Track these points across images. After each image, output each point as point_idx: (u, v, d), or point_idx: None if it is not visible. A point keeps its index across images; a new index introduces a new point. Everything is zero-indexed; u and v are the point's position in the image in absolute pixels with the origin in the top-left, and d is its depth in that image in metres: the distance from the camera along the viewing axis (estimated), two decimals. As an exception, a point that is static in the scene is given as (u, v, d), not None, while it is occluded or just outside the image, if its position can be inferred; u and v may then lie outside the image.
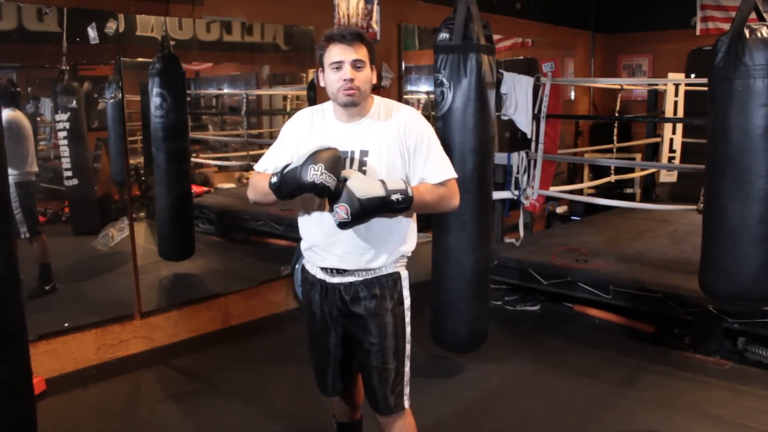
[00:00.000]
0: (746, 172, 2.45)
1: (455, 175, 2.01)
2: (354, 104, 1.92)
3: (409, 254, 2.09)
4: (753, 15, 2.51)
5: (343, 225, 1.82)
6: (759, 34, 2.35)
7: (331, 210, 1.82)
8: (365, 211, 1.79)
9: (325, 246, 2.01)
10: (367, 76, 1.91)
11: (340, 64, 1.88)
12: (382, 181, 1.82)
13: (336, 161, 1.80)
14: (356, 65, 1.88)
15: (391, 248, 2.01)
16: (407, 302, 2.07)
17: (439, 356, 3.53)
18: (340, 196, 1.80)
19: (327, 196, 1.80)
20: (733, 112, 2.44)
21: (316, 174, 1.74)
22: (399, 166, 1.94)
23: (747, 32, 2.36)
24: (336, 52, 1.88)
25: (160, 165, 3.74)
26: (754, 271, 2.51)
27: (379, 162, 1.93)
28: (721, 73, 2.45)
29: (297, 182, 1.77)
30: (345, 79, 1.86)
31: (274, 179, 1.84)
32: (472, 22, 2.92)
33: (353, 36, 1.89)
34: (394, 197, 1.80)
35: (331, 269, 2.02)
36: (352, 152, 1.93)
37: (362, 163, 1.93)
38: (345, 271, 2.01)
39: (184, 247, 4.03)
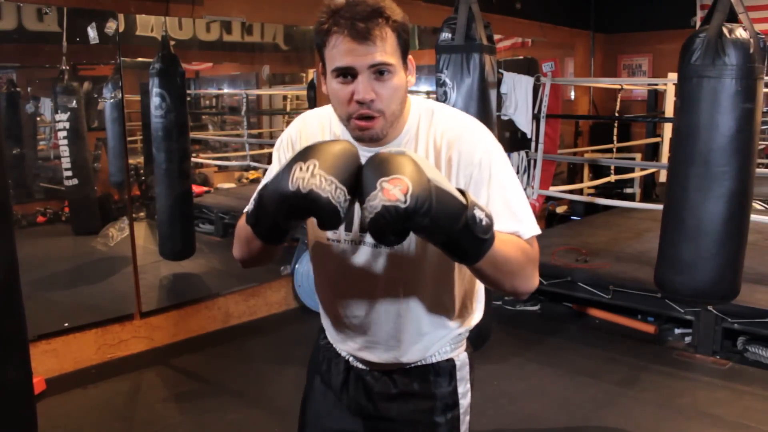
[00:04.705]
0: (718, 171, 2.45)
1: (539, 231, 1.22)
2: (375, 139, 1.17)
3: (472, 327, 1.41)
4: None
5: (381, 221, 0.98)
6: (739, 35, 2.36)
7: (362, 202, 1.01)
8: (432, 212, 0.97)
9: (341, 324, 1.35)
10: (397, 85, 1.14)
11: (350, 72, 1.11)
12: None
13: (345, 159, 1.03)
14: (378, 71, 1.12)
15: (444, 329, 1.32)
16: (465, 403, 1.37)
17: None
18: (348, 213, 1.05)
19: (326, 217, 1.02)
20: (707, 111, 2.44)
21: (303, 176, 0.99)
22: None
23: (726, 32, 2.37)
24: (342, 51, 1.10)
25: (160, 165, 3.74)
26: (720, 269, 2.52)
27: None
28: (697, 71, 2.45)
29: (276, 196, 1.02)
30: (359, 101, 1.12)
31: (250, 205, 1.12)
32: (474, 22, 2.93)
33: (371, 17, 1.09)
34: (477, 214, 1.02)
35: (354, 356, 1.38)
36: None
37: None
38: (372, 362, 1.35)
39: (184, 247, 4.03)
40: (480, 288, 1.39)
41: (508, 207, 1.18)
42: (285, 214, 1.04)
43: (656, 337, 3.91)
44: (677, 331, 3.93)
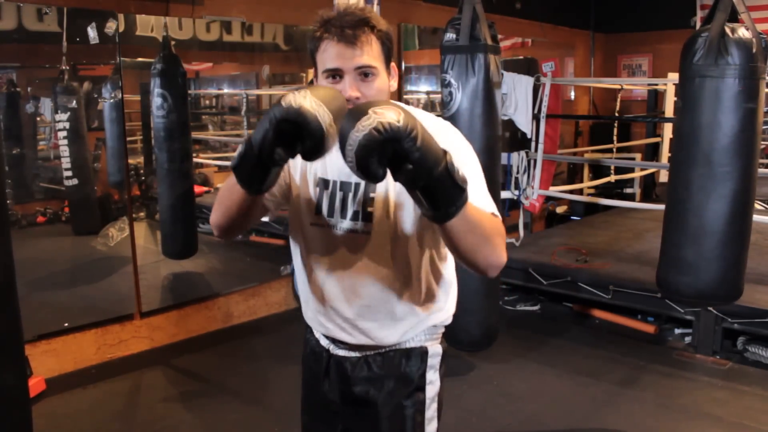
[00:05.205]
0: (721, 171, 2.46)
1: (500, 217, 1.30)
2: None
3: (448, 323, 1.47)
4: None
5: (375, 138, 1.01)
6: (741, 34, 2.36)
7: (343, 150, 1.04)
8: (419, 142, 1.01)
9: (319, 305, 1.43)
10: (380, 87, 1.27)
11: (338, 73, 1.25)
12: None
13: (334, 96, 1.12)
14: (363, 73, 1.25)
15: (415, 316, 1.40)
16: (432, 390, 1.43)
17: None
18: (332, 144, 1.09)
19: (311, 134, 1.05)
20: (710, 110, 2.44)
21: (294, 98, 1.05)
22: None
23: (729, 31, 2.37)
24: (331, 54, 1.24)
25: (162, 165, 3.75)
26: (723, 270, 2.53)
27: (391, 195, 1.32)
28: (700, 71, 2.45)
29: (266, 119, 1.07)
30: (345, 99, 1.21)
31: (239, 147, 1.14)
32: (479, 22, 2.94)
33: (358, 25, 1.24)
34: (457, 167, 1.07)
35: (333, 338, 1.45)
36: (356, 184, 1.33)
37: (367, 200, 1.33)
38: (350, 343, 1.43)
39: (187, 246, 4.03)
40: (452, 283, 1.45)
41: (476, 188, 1.24)
42: (273, 135, 1.06)
43: (656, 337, 3.91)
44: (677, 331, 3.93)
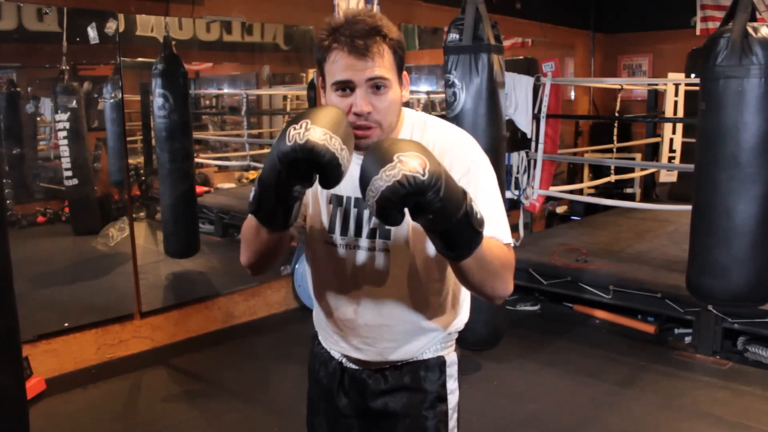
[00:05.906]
0: (749, 172, 2.45)
1: (513, 242, 1.29)
2: None
3: (462, 328, 1.45)
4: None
5: (399, 191, 0.99)
6: (765, 33, 2.36)
7: (368, 178, 1.01)
8: (443, 192, 1.00)
9: (334, 325, 1.40)
10: (392, 99, 1.20)
11: (349, 86, 1.17)
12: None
13: (335, 116, 1.07)
14: (375, 86, 1.18)
15: (434, 331, 1.37)
16: (453, 399, 1.41)
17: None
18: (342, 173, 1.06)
19: (326, 165, 1.03)
20: (735, 111, 2.43)
21: (298, 132, 1.02)
22: None
23: (751, 31, 2.36)
24: (341, 66, 1.16)
25: (164, 164, 3.75)
26: (756, 272, 2.52)
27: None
28: (724, 72, 2.44)
29: (275, 160, 1.04)
30: (357, 113, 1.17)
31: (251, 194, 1.12)
32: (482, 22, 2.94)
33: (369, 35, 1.16)
34: (474, 206, 1.06)
35: (347, 356, 1.42)
36: None
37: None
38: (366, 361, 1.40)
39: (189, 245, 4.04)
40: (466, 291, 1.42)
41: (491, 213, 1.20)
42: (286, 175, 1.05)
43: (656, 337, 3.91)
44: (677, 331, 3.93)
